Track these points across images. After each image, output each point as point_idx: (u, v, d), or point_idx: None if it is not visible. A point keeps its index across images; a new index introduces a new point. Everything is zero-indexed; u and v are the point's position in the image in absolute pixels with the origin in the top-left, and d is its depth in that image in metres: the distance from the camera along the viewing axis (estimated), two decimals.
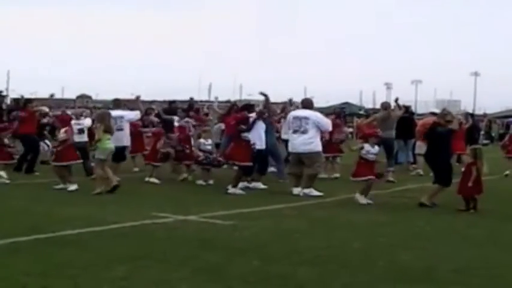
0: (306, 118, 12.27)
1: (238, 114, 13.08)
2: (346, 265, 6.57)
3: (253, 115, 12.82)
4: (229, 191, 11.96)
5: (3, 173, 13.13)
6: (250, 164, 12.20)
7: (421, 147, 15.91)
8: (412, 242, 7.88)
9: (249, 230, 8.39)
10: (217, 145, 17.44)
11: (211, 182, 13.54)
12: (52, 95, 17.70)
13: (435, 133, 11.24)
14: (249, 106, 13.65)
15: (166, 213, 9.46)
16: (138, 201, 10.76)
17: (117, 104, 14.42)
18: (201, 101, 49.39)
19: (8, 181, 12.93)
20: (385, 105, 16.02)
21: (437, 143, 11.06)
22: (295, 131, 12.26)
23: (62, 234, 7.80)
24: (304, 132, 12.16)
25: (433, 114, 18.47)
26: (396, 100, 16.24)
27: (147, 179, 13.63)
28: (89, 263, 6.39)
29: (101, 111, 12.61)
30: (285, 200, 11.22)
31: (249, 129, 12.40)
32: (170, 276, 5.99)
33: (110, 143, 11.87)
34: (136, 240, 7.58)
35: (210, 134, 14.61)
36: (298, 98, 16.07)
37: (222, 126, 16.23)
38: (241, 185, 12.33)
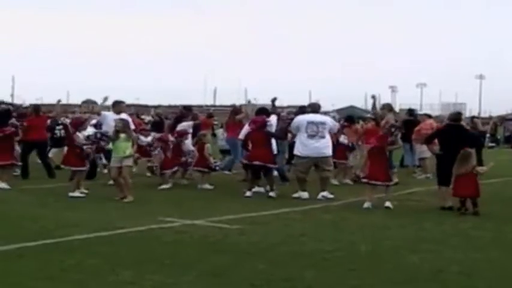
0: (323, 123, 12.40)
1: (258, 118, 13.02)
2: (353, 268, 6.57)
3: (271, 119, 13.13)
4: (271, 194, 12.24)
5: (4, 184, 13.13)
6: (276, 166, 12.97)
7: (424, 151, 15.80)
8: (419, 245, 7.86)
9: (256, 233, 8.39)
10: (223, 151, 17.39)
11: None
12: (59, 101, 17.60)
13: (466, 136, 11.19)
14: (265, 110, 13.65)
15: (173, 217, 9.47)
16: (144, 206, 10.76)
17: (116, 106, 14.55)
18: (207, 106, 49.45)
19: (8, 187, 12.94)
20: (391, 107, 15.90)
21: (463, 145, 10.88)
22: (311, 136, 12.21)
23: (69, 239, 7.82)
24: (322, 136, 12.25)
25: (429, 116, 18.42)
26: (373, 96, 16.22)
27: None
28: (96, 267, 6.41)
29: (124, 120, 12.52)
30: (291, 204, 11.21)
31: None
32: (177, 280, 6.00)
33: None
34: (143, 245, 7.59)
35: (210, 138, 14.59)
36: (302, 102, 16.01)
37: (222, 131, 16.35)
38: (256, 189, 12.62)
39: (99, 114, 14.30)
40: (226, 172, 15.83)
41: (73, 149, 12.34)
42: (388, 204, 11.02)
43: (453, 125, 11.48)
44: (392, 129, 11.88)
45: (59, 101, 16.14)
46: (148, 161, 15.69)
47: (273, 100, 14.48)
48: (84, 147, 12.25)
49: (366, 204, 10.96)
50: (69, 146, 12.70)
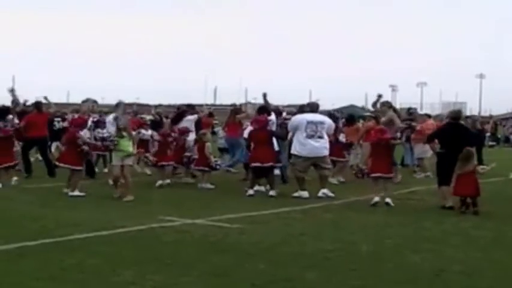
0: (322, 123, 12.47)
1: (260, 117, 13.00)
2: (354, 268, 6.55)
3: (272, 118, 13.27)
4: (271, 193, 12.27)
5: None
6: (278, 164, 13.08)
7: (422, 151, 15.80)
8: (420, 244, 7.85)
9: (256, 233, 8.38)
10: (221, 150, 17.37)
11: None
12: (45, 97, 17.53)
13: (466, 134, 11.21)
14: (266, 109, 13.64)
15: (173, 217, 9.46)
16: (144, 205, 10.76)
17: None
18: (207, 105, 49.44)
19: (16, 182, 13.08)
20: (391, 104, 15.84)
21: (464, 143, 10.87)
22: (311, 136, 12.25)
23: (69, 238, 7.81)
24: (321, 136, 12.32)
25: (428, 116, 18.39)
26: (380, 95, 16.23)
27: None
28: (96, 267, 6.40)
29: (126, 119, 12.63)
30: (291, 203, 11.20)
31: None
32: (178, 280, 5.99)
33: None
34: (144, 244, 7.57)
35: (209, 137, 14.58)
36: (303, 102, 15.93)
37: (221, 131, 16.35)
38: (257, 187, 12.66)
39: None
40: (233, 170, 15.86)
41: (73, 147, 12.26)
42: (388, 200, 11.06)
43: (453, 123, 11.46)
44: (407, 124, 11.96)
45: (45, 97, 16.09)
46: (145, 157, 15.65)
47: (264, 95, 14.46)
48: (84, 147, 12.19)
49: (376, 199, 11.05)
50: (67, 144, 12.58)
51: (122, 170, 11.69)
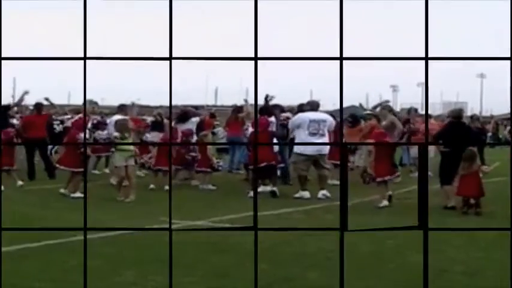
0: (324, 121, 12.58)
1: (261, 119, 13.04)
2: (356, 268, 6.55)
3: (272, 119, 13.35)
4: (273, 189, 12.32)
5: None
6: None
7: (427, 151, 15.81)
8: (421, 244, 7.83)
9: (258, 233, 8.36)
10: (220, 150, 17.38)
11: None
12: (48, 99, 17.32)
13: (468, 133, 11.23)
14: (267, 110, 13.66)
15: (175, 218, 9.44)
16: (145, 206, 10.77)
17: (123, 109, 14.53)
18: (208, 106, 49.52)
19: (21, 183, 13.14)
20: (390, 108, 15.82)
21: (466, 142, 10.91)
22: (313, 134, 12.30)
23: (71, 240, 7.80)
24: (323, 134, 12.41)
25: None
26: (387, 101, 16.21)
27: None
28: (98, 268, 6.39)
29: (128, 120, 12.69)
30: (293, 204, 11.21)
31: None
32: (179, 280, 5.98)
33: None
34: (145, 245, 7.58)
35: (210, 138, 14.61)
36: (303, 101, 15.89)
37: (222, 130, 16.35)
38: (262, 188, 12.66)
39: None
40: (241, 172, 15.86)
41: (73, 149, 12.30)
42: (390, 192, 11.21)
43: (455, 122, 11.50)
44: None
45: (46, 98, 16.10)
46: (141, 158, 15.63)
47: (266, 97, 14.50)
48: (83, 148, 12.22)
49: (385, 202, 11.08)
50: (67, 146, 12.66)
51: (126, 170, 11.74)
